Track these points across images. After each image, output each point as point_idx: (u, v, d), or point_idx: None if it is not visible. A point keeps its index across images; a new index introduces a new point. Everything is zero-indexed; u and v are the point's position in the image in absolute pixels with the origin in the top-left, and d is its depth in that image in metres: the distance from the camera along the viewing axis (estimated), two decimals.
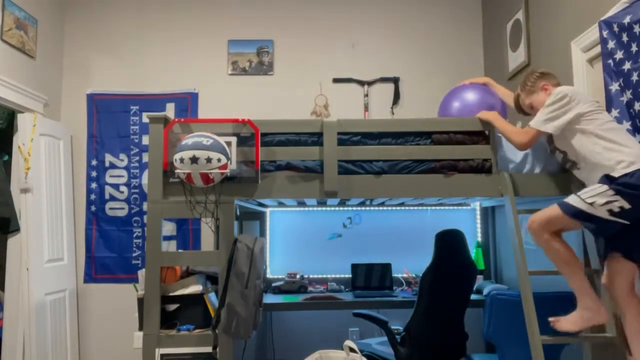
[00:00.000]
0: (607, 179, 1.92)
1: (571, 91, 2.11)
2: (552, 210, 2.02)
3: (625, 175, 1.89)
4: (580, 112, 2.06)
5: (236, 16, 4.05)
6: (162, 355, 2.42)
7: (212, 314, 2.49)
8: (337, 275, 3.83)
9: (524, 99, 2.35)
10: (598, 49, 2.31)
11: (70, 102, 3.96)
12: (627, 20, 2.07)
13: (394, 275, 3.73)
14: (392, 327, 2.92)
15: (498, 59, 3.74)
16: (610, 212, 1.89)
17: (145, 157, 3.88)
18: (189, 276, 2.70)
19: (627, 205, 1.86)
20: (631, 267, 1.99)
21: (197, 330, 2.50)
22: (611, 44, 2.16)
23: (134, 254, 3.86)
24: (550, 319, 2.08)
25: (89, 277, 3.85)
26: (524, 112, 2.40)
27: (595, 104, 2.10)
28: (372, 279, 3.69)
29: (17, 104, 3.33)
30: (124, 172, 3.91)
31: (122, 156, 3.92)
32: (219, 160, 2.29)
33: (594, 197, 1.91)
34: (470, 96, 2.69)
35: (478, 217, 3.90)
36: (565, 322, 2.06)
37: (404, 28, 4.08)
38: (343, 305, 3.32)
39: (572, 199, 1.98)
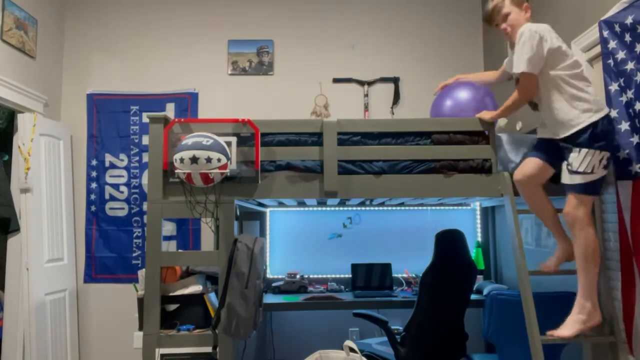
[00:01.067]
0: (589, 142, 2.04)
1: (539, 28, 2.14)
2: (584, 201, 2.08)
3: (596, 125, 2.04)
4: (551, 48, 2.11)
5: (236, 16, 4.05)
6: (162, 355, 2.42)
7: (212, 314, 2.49)
8: (337, 275, 3.83)
9: (507, 5, 2.28)
10: (598, 49, 2.31)
11: (70, 102, 3.96)
12: (629, 20, 2.07)
13: (394, 275, 3.73)
14: (392, 327, 2.92)
15: (498, 59, 3.73)
16: (605, 167, 2.06)
17: (145, 157, 3.88)
18: (189, 276, 2.70)
19: (608, 154, 2.05)
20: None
21: (197, 330, 2.50)
22: (612, 44, 2.15)
23: (134, 254, 3.86)
24: (548, 332, 2.15)
25: (89, 277, 3.85)
26: (492, 22, 2.35)
27: (560, 39, 2.17)
28: (372, 279, 3.69)
29: (17, 104, 3.33)
30: (124, 172, 3.91)
31: (122, 156, 3.92)
32: (219, 160, 2.29)
33: (589, 163, 2.03)
34: (462, 94, 2.67)
35: (478, 217, 3.90)
36: (563, 330, 2.11)
37: (404, 28, 4.08)
38: (343, 305, 3.32)
39: (579, 178, 2.05)
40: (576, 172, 2.05)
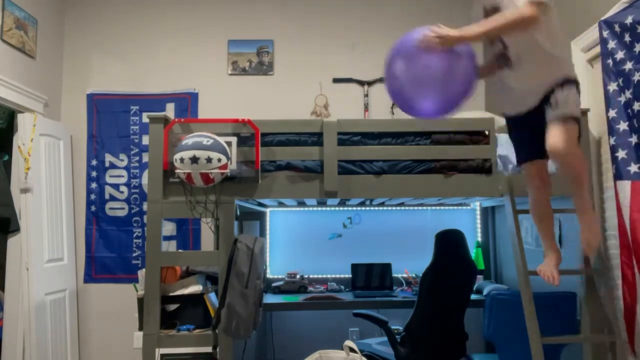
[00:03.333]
0: (570, 82, 1.80)
1: None
2: (571, 129, 1.77)
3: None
4: None
5: (236, 16, 4.05)
6: (162, 355, 2.42)
7: (212, 314, 2.49)
8: (337, 275, 3.83)
9: None
10: (598, 49, 2.31)
11: (70, 102, 3.96)
12: (629, 20, 2.07)
13: (394, 275, 3.73)
14: (392, 327, 2.92)
15: None
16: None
17: (145, 157, 3.87)
18: (189, 276, 2.71)
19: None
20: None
21: (197, 330, 2.50)
22: (611, 44, 2.16)
23: (134, 254, 3.86)
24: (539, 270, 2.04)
25: (89, 277, 3.84)
26: None
27: None
28: (372, 279, 3.69)
29: (17, 104, 3.33)
30: (124, 172, 3.91)
31: (122, 156, 3.92)
32: (219, 160, 2.30)
33: (576, 99, 1.80)
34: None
35: (478, 217, 3.90)
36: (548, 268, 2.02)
37: (404, 28, 4.04)
38: (343, 305, 3.32)
39: (573, 109, 1.77)
40: (569, 102, 1.77)
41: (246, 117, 2.52)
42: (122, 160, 3.92)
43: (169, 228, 3.85)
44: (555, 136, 1.75)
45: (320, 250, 3.87)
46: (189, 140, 2.32)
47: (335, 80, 4.01)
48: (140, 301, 2.50)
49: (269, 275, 3.80)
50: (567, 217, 2.52)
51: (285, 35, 4.04)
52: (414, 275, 3.71)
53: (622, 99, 2.10)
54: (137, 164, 3.91)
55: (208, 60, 4.01)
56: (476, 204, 3.86)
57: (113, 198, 3.90)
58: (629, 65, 2.07)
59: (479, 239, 3.86)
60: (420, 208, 3.90)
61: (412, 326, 2.80)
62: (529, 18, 1.70)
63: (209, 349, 2.39)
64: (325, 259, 3.85)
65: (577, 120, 1.79)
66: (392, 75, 1.83)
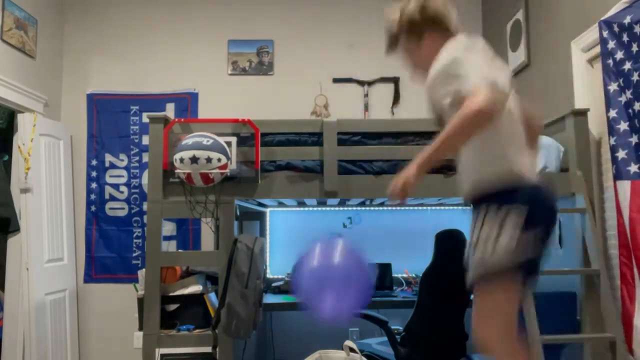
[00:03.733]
0: (507, 200, 1.33)
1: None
2: (492, 295, 1.29)
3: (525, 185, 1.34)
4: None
5: (236, 16, 4.05)
6: (162, 355, 2.42)
7: (212, 314, 2.49)
8: None
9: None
10: (598, 49, 2.31)
11: (70, 102, 3.96)
12: (627, 20, 2.07)
13: (394, 275, 3.73)
14: (392, 327, 2.92)
15: None
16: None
17: (145, 157, 3.87)
18: (189, 276, 2.71)
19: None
20: None
21: (197, 330, 2.50)
22: (611, 44, 2.16)
23: (134, 254, 3.86)
24: None
25: (89, 277, 3.85)
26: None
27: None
28: None
29: (17, 104, 3.33)
30: (124, 172, 3.91)
31: (122, 156, 3.92)
32: (219, 160, 2.30)
33: (509, 231, 1.29)
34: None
35: None
36: None
37: None
38: None
39: (495, 260, 1.34)
40: (473, 252, 1.31)
41: (246, 117, 2.52)
42: (122, 160, 3.92)
43: (169, 228, 3.85)
44: (472, 315, 1.31)
45: None
46: (188, 140, 2.32)
47: (335, 80, 4.01)
48: (140, 301, 2.50)
49: (269, 275, 3.79)
50: (567, 217, 2.52)
51: (285, 35, 4.04)
52: (414, 275, 3.71)
53: (623, 99, 2.10)
54: (137, 164, 3.91)
55: (208, 60, 4.01)
56: None
57: (113, 198, 3.90)
58: (628, 65, 2.08)
59: None
60: (420, 208, 3.89)
61: (412, 326, 2.80)
62: (479, 111, 1.29)
63: (209, 349, 2.39)
64: None
65: (509, 271, 1.28)
66: (298, 282, 1.91)
